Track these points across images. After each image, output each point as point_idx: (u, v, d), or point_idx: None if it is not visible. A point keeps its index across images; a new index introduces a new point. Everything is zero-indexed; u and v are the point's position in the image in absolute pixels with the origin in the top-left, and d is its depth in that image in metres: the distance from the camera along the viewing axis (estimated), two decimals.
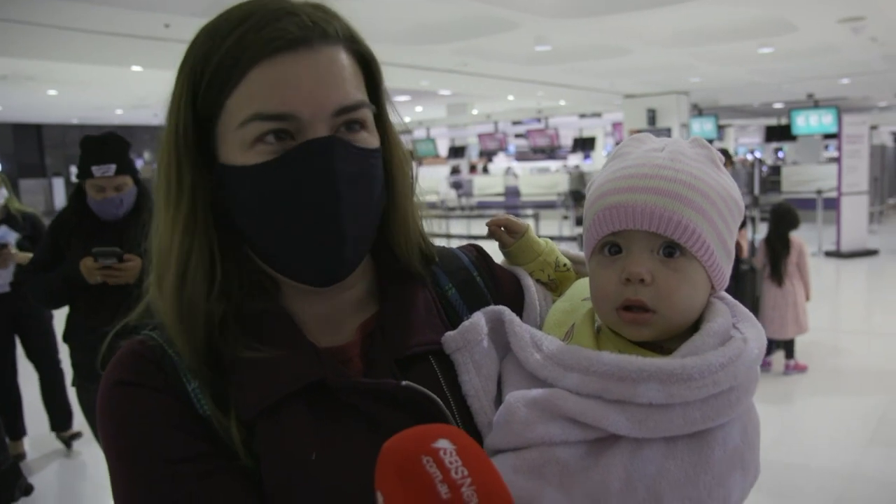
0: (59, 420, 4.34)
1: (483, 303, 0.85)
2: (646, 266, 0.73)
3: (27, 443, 4.37)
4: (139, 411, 0.68)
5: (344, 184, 0.69)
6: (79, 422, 4.36)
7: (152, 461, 0.66)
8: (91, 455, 4.30)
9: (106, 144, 2.80)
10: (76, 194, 2.89)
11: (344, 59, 0.71)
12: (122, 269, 2.69)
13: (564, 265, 0.94)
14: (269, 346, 0.71)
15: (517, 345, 0.76)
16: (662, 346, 0.76)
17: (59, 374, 4.31)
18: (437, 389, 0.74)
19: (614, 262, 0.76)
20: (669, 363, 0.68)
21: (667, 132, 13.83)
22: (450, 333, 0.78)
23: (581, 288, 0.88)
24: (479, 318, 0.79)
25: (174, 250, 0.71)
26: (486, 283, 0.88)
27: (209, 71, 0.69)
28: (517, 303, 0.87)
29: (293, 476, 0.67)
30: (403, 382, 0.71)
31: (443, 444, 0.55)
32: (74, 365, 2.93)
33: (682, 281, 0.74)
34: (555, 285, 0.93)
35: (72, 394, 4.33)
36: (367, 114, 0.73)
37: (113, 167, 2.75)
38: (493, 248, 0.97)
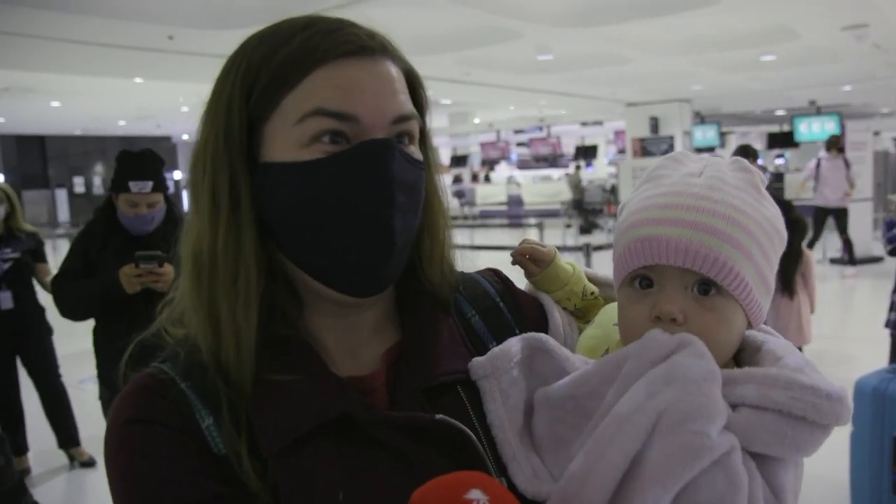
0: (67, 436, 4.30)
1: (508, 330, 0.82)
2: (678, 304, 0.69)
3: (31, 458, 4.33)
4: (152, 451, 0.65)
5: (398, 189, 0.68)
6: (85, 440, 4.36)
7: None
8: (95, 470, 4.27)
9: (145, 160, 2.84)
10: (105, 208, 2.91)
11: (397, 73, 0.72)
12: (163, 273, 2.71)
13: (592, 293, 0.90)
14: (290, 375, 0.68)
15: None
16: None
17: (62, 388, 4.28)
18: (466, 420, 0.71)
19: (645, 296, 0.72)
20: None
21: (669, 140, 13.83)
22: (478, 359, 0.75)
23: (611, 313, 0.84)
24: (510, 346, 0.75)
25: (235, 258, 0.68)
26: (509, 309, 0.85)
27: (268, 71, 0.68)
28: (541, 329, 0.84)
29: None
30: (437, 416, 0.68)
31: (475, 494, 0.52)
32: (104, 378, 2.91)
33: (717, 321, 0.70)
34: (581, 314, 0.90)
35: (76, 408, 4.37)
36: (417, 128, 0.73)
37: (150, 184, 2.80)
38: (503, 264, 0.95)
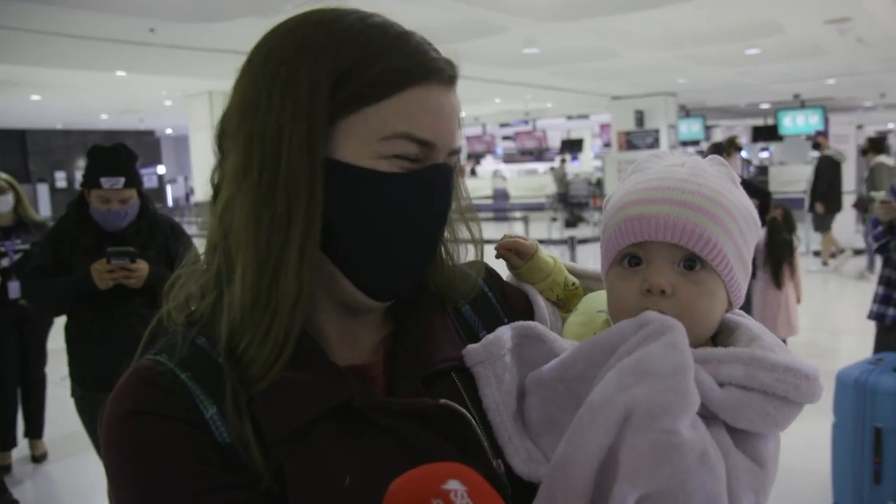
0: (36, 428, 4.38)
1: (497, 319, 0.84)
2: (667, 277, 0.73)
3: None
4: (157, 443, 0.64)
5: (448, 209, 0.75)
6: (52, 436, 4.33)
7: (173, 496, 0.63)
8: (73, 464, 4.29)
9: (117, 156, 2.81)
10: (78, 203, 2.88)
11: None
12: (135, 269, 2.70)
13: (573, 284, 0.94)
14: (290, 363, 0.68)
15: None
16: None
17: (44, 380, 4.35)
18: (461, 405, 0.72)
19: (634, 273, 0.76)
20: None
21: (654, 133, 13.90)
22: (472, 346, 0.77)
23: (594, 301, 0.88)
24: (502, 333, 0.78)
25: (299, 270, 0.67)
26: (497, 299, 0.88)
27: (363, 73, 0.68)
28: (527, 318, 0.86)
29: (326, 502, 0.64)
30: (441, 401, 0.70)
31: (453, 485, 0.52)
32: (75, 376, 2.88)
33: (702, 294, 0.74)
34: (563, 304, 0.93)
35: (55, 403, 4.35)
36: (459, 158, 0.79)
37: (122, 180, 2.77)
38: (488, 257, 0.95)
